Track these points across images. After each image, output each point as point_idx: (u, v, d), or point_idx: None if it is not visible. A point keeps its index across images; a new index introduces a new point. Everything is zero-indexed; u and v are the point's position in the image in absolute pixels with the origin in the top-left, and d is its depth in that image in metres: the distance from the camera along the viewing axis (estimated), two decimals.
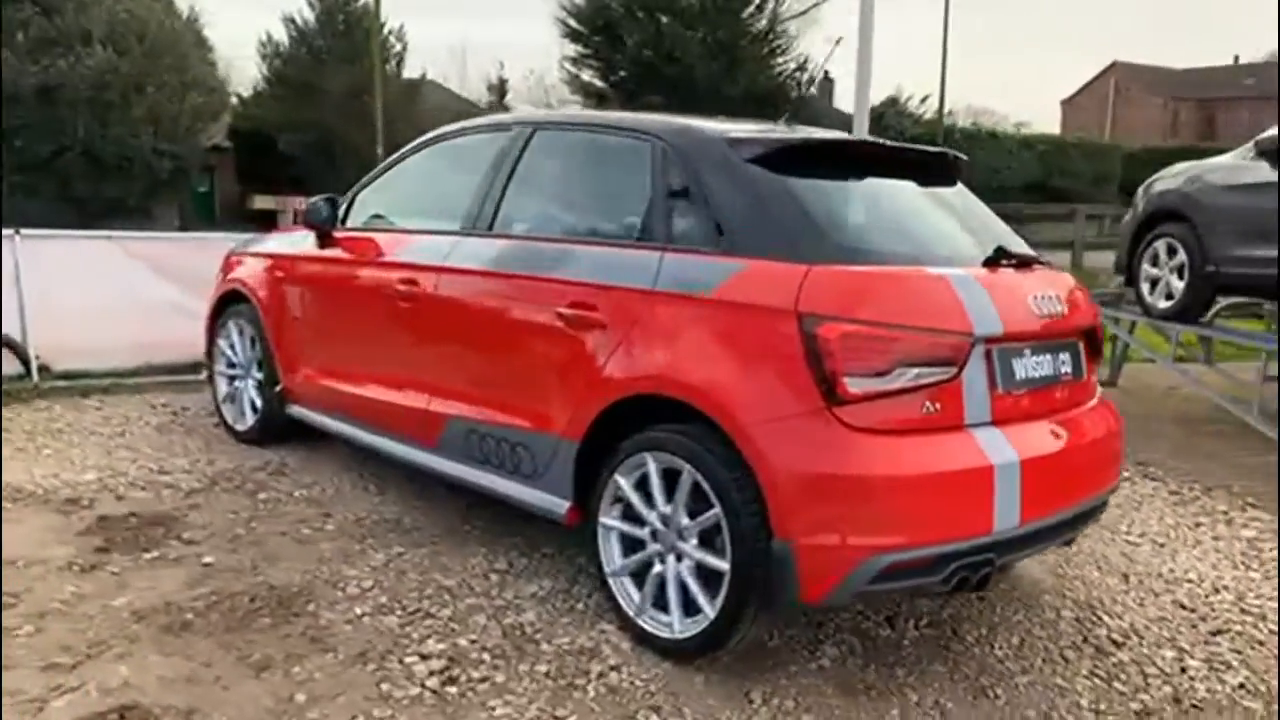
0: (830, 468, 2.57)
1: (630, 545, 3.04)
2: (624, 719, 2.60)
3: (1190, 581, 3.80)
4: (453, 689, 2.67)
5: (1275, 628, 3.33)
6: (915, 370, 2.62)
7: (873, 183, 3.17)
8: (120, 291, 6.06)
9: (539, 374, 3.27)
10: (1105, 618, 3.41)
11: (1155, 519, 4.50)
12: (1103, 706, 2.85)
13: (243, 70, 26.68)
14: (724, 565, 2.73)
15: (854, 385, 2.58)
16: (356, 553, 3.53)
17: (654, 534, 2.94)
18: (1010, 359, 2.85)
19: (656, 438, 2.88)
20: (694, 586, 2.83)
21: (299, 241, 4.41)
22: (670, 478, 2.87)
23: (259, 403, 4.58)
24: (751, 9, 22.86)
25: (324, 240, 4.24)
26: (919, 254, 2.97)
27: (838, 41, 6.98)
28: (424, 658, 2.82)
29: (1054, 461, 2.89)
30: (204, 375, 5.10)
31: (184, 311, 5.94)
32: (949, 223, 3.27)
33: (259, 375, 4.59)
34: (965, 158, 3.46)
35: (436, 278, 3.62)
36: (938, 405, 2.67)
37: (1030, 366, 2.92)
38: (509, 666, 2.82)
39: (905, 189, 3.26)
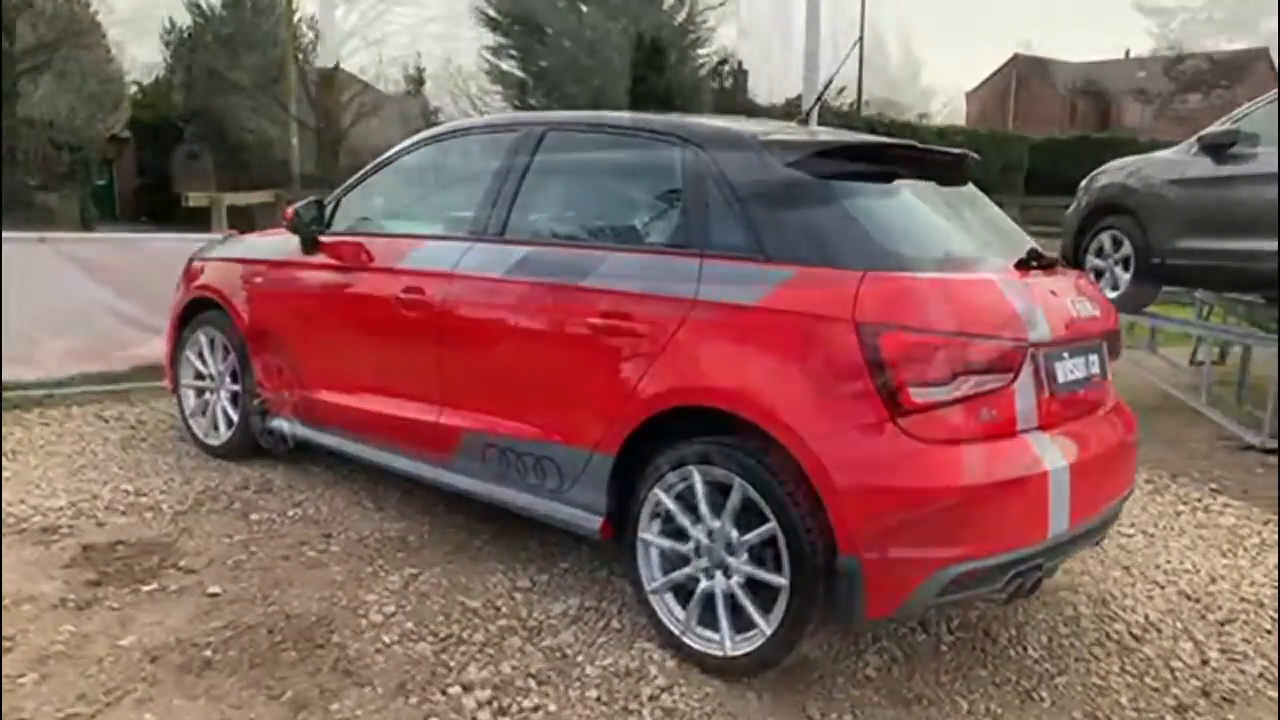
0: (898, 480, 2.54)
1: (671, 561, 2.98)
2: None
3: (1188, 572, 3.91)
4: None
5: (1277, 615, 3.45)
6: (976, 378, 2.61)
7: (904, 185, 3.12)
8: (48, 295, 5.72)
9: (566, 385, 3.15)
10: (1120, 612, 3.48)
11: (1139, 508, 4.62)
12: (1141, 704, 2.91)
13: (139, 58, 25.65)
14: (782, 581, 2.68)
15: (918, 395, 2.56)
16: (369, 575, 3.37)
17: (698, 549, 2.88)
18: (1054, 363, 2.87)
19: (703, 451, 2.81)
20: (746, 603, 2.80)
21: (281, 246, 4.17)
22: (717, 491, 2.83)
23: (234, 415, 4.35)
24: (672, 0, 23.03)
25: (311, 245, 4.05)
26: (961, 258, 2.98)
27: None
28: (467, 688, 2.70)
29: (1093, 464, 2.92)
30: (167, 387, 4.83)
31: (118, 315, 5.68)
32: (975, 224, 3.27)
33: (234, 387, 4.36)
34: (977, 157, 3.48)
35: (446, 286, 3.45)
36: (995, 412, 2.67)
37: (1069, 370, 2.94)
38: (558, 692, 2.73)
39: (932, 191, 3.25)
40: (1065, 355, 2.93)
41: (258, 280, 4.22)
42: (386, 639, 2.94)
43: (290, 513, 3.87)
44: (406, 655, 2.86)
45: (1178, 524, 4.49)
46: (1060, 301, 2.98)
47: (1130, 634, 3.33)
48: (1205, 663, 3.17)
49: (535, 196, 3.46)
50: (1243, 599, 3.67)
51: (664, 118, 3.31)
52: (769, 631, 2.72)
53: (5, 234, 5.82)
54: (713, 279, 2.86)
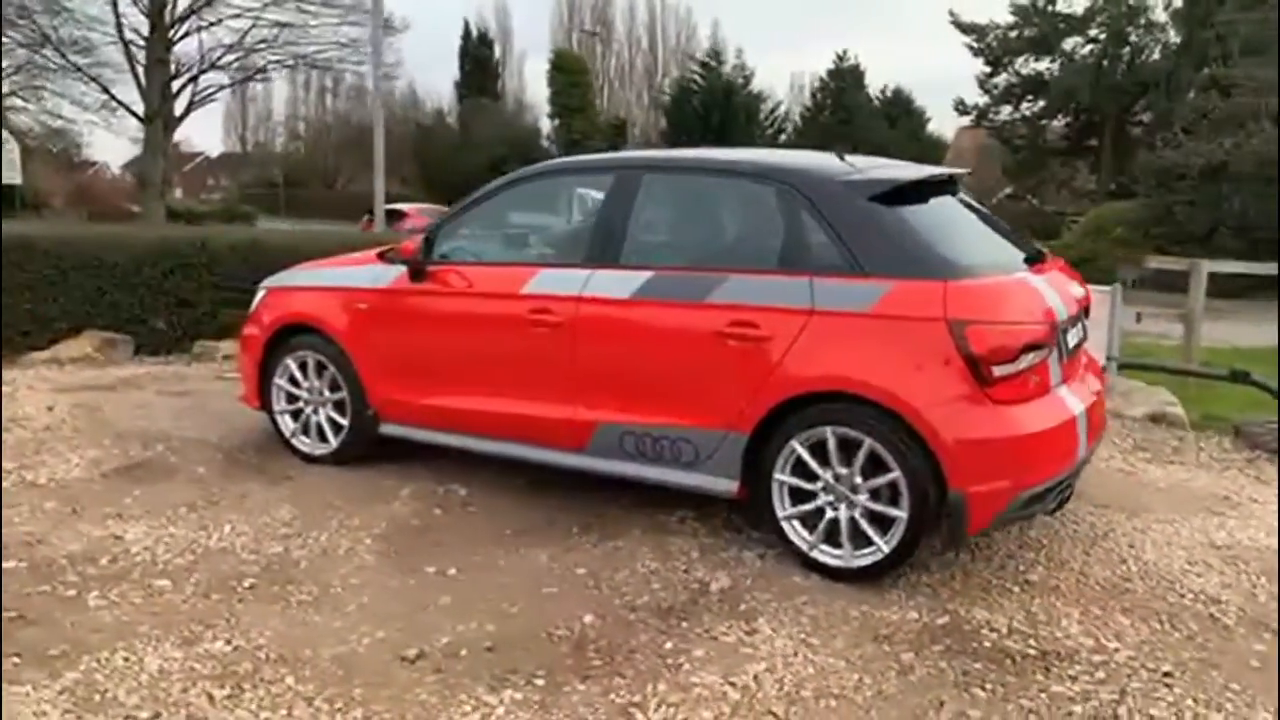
0: (990, 433, 3.41)
1: (798, 497, 3.74)
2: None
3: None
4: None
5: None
6: (1031, 354, 3.59)
7: (936, 204, 3.98)
8: None
9: (698, 381, 3.82)
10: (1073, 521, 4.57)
11: None
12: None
13: None
14: (900, 513, 3.48)
15: (998, 371, 3.41)
16: (613, 550, 3.91)
17: (826, 489, 3.64)
18: (1065, 333, 3.84)
19: (839, 418, 3.60)
20: (868, 528, 3.60)
21: (378, 275, 4.67)
22: (841, 447, 3.63)
23: (344, 424, 4.90)
24: None
25: (419, 274, 4.56)
26: (995, 261, 3.83)
27: None
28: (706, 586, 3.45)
29: (1091, 405, 4.01)
30: (251, 406, 5.24)
31: None
32: (985, 229, 4.23)
33: (334, 398, 4.88)
34: (968, 171, 4.46)
35: (575, 306, 4.10)
36: (1039, 377, 3.68)
37: (1071, 338, 3.98)
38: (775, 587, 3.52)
39: (951, 204, 4.10)
40: (1069, 327, 3.98)
41: (362, 306, 4.75)
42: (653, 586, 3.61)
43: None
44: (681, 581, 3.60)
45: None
46: (1065, 287, 4.03)
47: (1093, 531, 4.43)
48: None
49: (644, 228, 4.14)
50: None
51: (750, 158, 4.21)
52: (887, 550, 3.54)
53: None
54: (825, 293, 3.63)
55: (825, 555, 3.67)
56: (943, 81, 61.18)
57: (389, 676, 3.02)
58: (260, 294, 5.16)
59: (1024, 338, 3.47)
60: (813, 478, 3.69)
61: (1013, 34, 29.20)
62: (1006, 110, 30.46)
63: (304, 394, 4.93)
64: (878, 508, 3.57)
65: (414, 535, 4.11)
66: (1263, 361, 7.74)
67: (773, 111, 46.61)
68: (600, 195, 4.39)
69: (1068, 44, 28.65)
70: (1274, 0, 23.63)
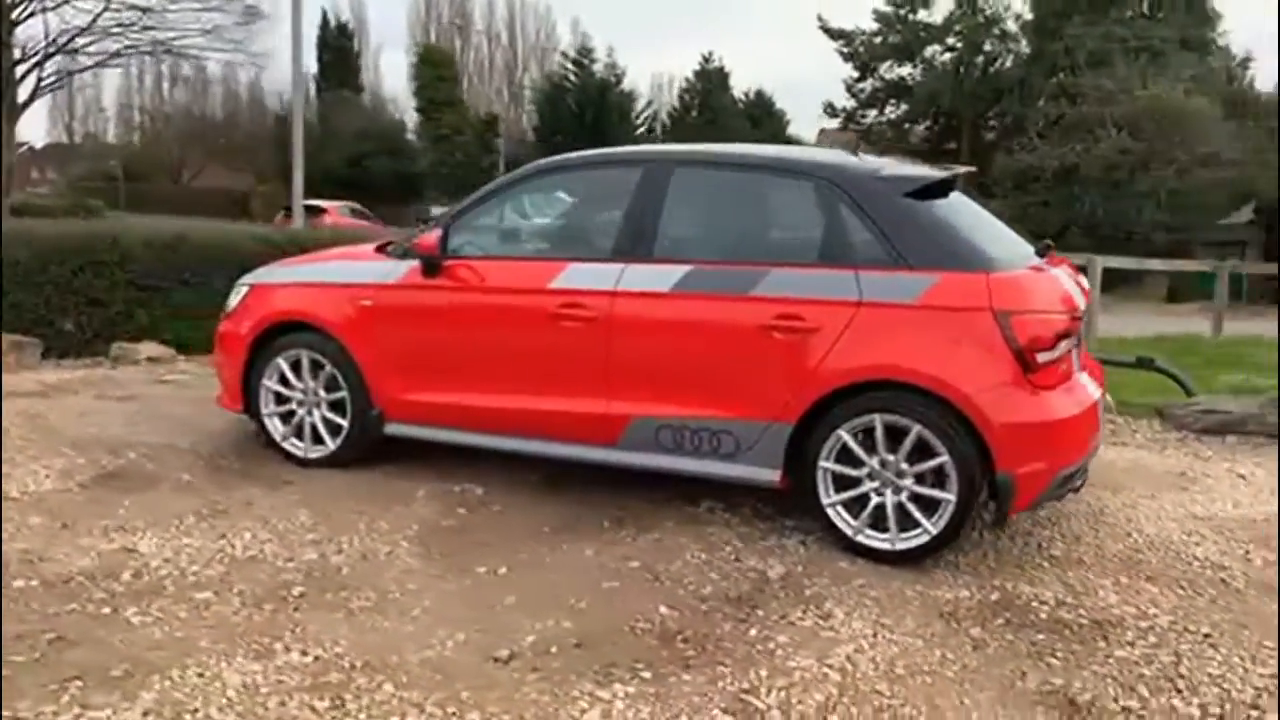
0: (1034, 417, 3.62)
1: (843, 484, 3.83)
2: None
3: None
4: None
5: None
6: (1065, 343, 3.81)
7: (955, 200, 4.14)
8: None
9: (742, 373, 3.87)
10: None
11: None
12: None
13: None
14: (949, 496, 3.62)
15: (1041, 358, 3.63)
16: (677, 547, 3.89)
17: (871, 474, 3.75)
18: (1079, 323, 4.18)
19: (887, 405, 3.72)
20: (915, 512, 3.73)
21: (389, 270, 4.54)
22: (890, 433, 3.74)
23: (343, 425, 4.73)
24: None
25: (433, 269, 4.41)
26: (1018, 254, 4.01)
27: None
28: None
29: (1102, 389, 4.30)
30: (230, 409, 5.00)
31: None
32: (997, 224, 4.37)
33: (330, 398, 4.70)
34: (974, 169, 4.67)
35: (610, 301, 4.09)
36: (1066, 364, 3.91)
37: (1081, 329, 4.27)
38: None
39: (964, 200, 4.25)
40: (1080, 317, 4.26)
41: (367, 302, 4.60)
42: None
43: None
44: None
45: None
46: (1077, 281, 4.32)
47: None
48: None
49: (677, 223, 4.16)
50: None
51: (781, 153, 4.29)
52: (935, 531, 3.70)
53: None
54: (872, 285, 3.76)
55: (871, 539, 3.80)
56: (801, 84, 63.25)
57: (489, 678, 2.97)
58: (241, 291, 4.92)
59: (1058, 326, 3.69)
60: (858, 464, 3.80)
61: (877, 40, 30.43)
62: (873, 114, 31.75)
63: (296, 395, 4.74)
64: (924, 491, 3.71)
65: (450, 536, 4.03)
66: (1150, 349, 8.37)
67: (644, 110, 47.06)
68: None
69: (929, 51, 30.09)
70: (1115, 16, 25.55)
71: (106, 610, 3.31)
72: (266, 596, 3.43)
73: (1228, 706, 2.95)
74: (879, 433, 3.74)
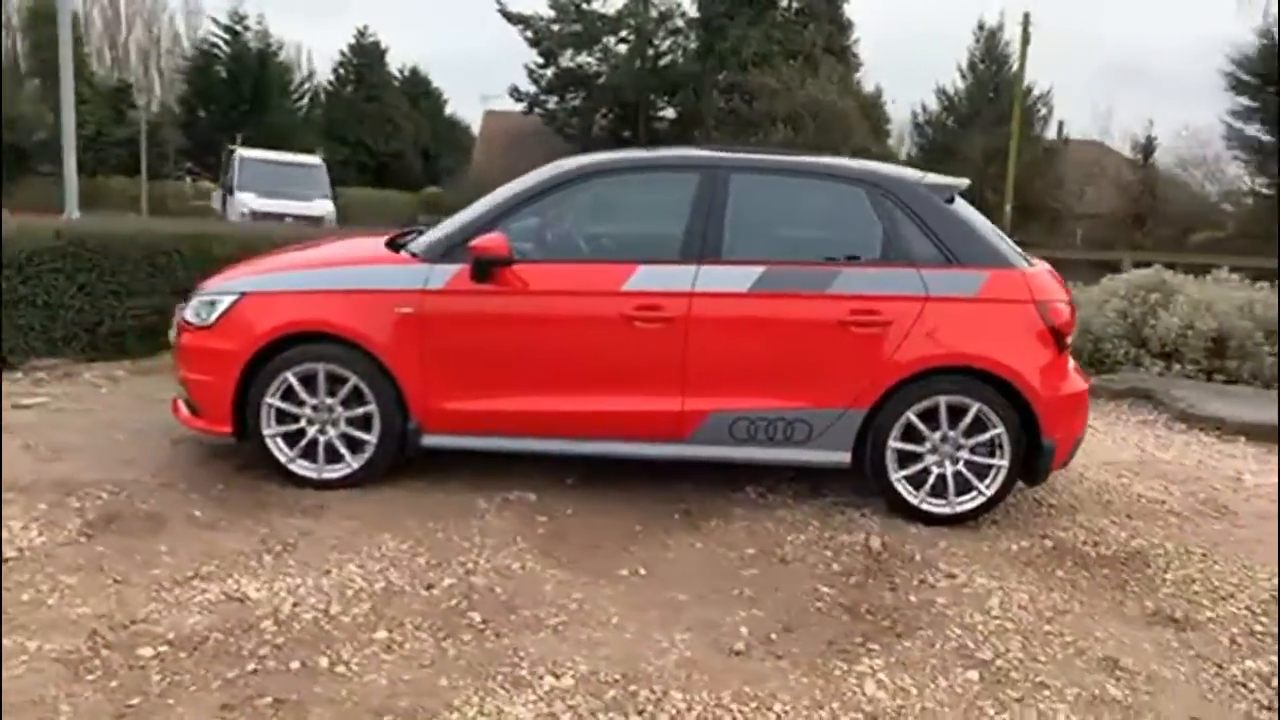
0: (1069, 390, 4.32)
1: (905, 460, 4.29)
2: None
3: None
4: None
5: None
6: (1075, 327, 4.57)
7: (963, 204, 4.64)
8: None
9: (819, 365, 4.19)
10: None
11: None
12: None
13: None
14: (1001, 463, 4.21)
15: (1069, 340, 4.44)
16: (768, 532, 3.96)
17: (934, 449, 4.25)
18: None
19: (952, 389, 4.21)
20: (974, 480, 4.28)
21: (429, 274, 4.27)
22: (951, 413, 4.23)
23: (369, 441, 4.34)
24: None
25: (484, 273, 4.22)
26: (1023, 254, 4.60)
27: None
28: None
29: None
30: (214, 433, 4.42)
31: None
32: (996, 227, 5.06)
33: (351, 414, 4.33)
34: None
35: (688, 302, 4.22)
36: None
37: None
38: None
39: (969, 206, 4.74)
40: None
41: (406, 309, 4.28)
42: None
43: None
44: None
45: None
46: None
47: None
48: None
49: (741, 225, 4.33)
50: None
51: (832, 161, 4.64)
52: (988, 494, 4.30)
53: None
54: (935, 282, 4.23)
55: (931, 505, 4.34)
56: (463, 65, 62.70)
57: (748, 670, 3.12)
58: (224, 301, 4.41)
59: (1073, 313, 4.44)
60: (920, 441, 4.32)
61: (555, 28, 31.17)
62: (554, 100, 32.49)
63: (307, 412, 4.37)
64: (979, 460, 4.31)
65: (557, 544, 4.00)
66: None
67: (302, 84, 44.39)
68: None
69: (607, 41, 31.36)
70: (773, 19, 28.26)
71: (295, 664, 3.02)
72: (448, 627, 3.28)
73: (1259, 605, 3.80)
74: (943, 412, 4.27)
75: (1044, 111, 29.78)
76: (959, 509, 4.32)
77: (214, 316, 4.40)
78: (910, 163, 22.91)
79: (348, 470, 4.39)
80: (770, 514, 4.42)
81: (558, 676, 3.01)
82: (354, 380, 4.31)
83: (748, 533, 4.20)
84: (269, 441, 4.36)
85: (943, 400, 4.26)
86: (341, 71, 48.38)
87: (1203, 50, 39.89)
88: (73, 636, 3.09)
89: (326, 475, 4.39)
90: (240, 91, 37.56)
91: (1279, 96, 22.61)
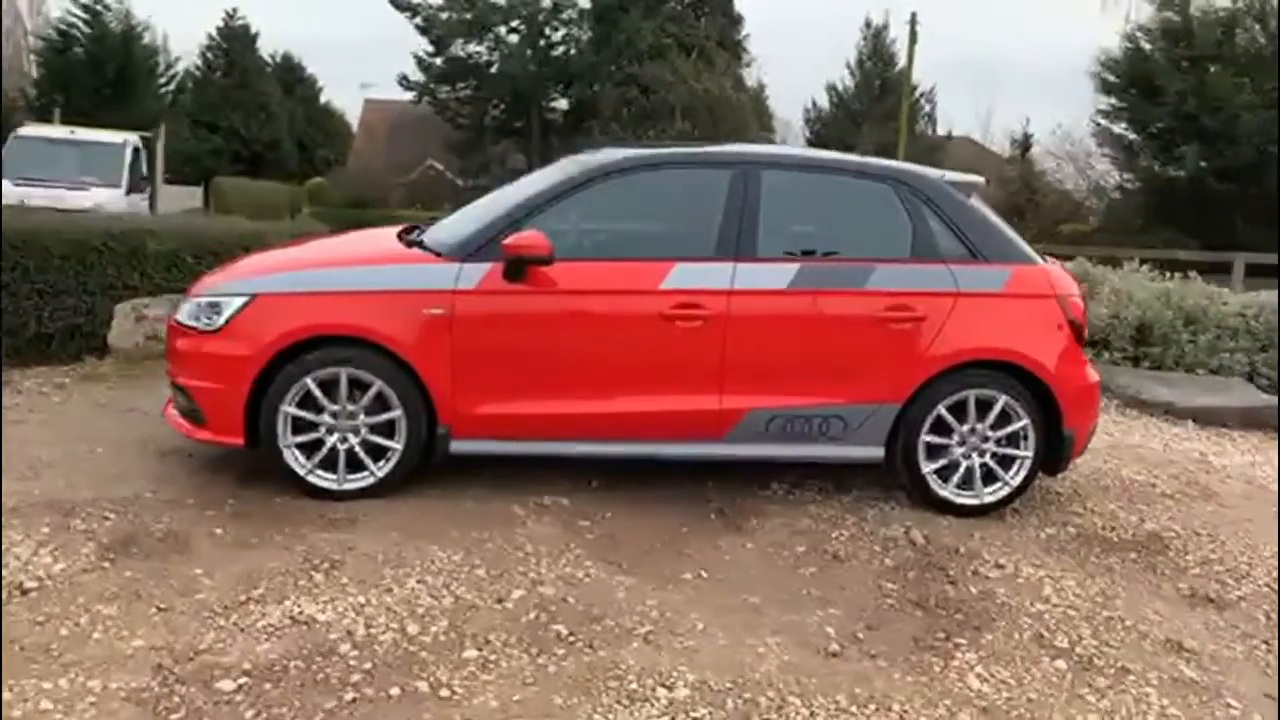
0: (1087, 381, 4.46)
1: (936, 453, 4.34)
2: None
3: None
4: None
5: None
6: None
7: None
8: None
9: (856, 361, 4.21)
10: None
11: None
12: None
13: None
14: (1026, 454, 4.31)
15: (1085, 333, 4.58)
16: (810, 529, 3.91)
17: (961, 441, 4.32)
18: None
19: (981, 382, 4.28)
20: (999, 470, 4.39)
21: (460, 274, 4.08)
22: (979, 406, 4.30)
23: (395, 448, 4.11)
24: None
25: (518, 272, 4.07)
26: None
27: None
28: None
29: None
30: (222, 443, 4.12)
31: None
32: None
33: (374, 420, 4.10)
34: None
35: (727, 300, 4.18)
36: None
37: None
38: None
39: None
40: None
41: (437, 310, 4.08)
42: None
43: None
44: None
45: None
46: None
47: None
48: None
49: (775, 222, 4.29)
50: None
51: (860, 158, 4.64)
52: (1015, 484, 4.38)
53: None
54: (965, 277, 4.28)
55: (960, 497, 4.43)
56: (337, 52, 60.73)
57: (852, 671, 3.12)
58: (238, 302, 4.14)
59: (1085, 307, 4.60)
60: (948, 434, 4.40)
61: (445, 16, 30.48)
62: (446, 89, 31.77)
63: (326, 420, 4.15)
64: (1003, 451, 4.42)
65: (611, 549, 3.91)
66: None
67: (169, 68, 42.15)
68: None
69: (500, 31, 30.84)
70: (667, 12, 28.37)
71: (394, 690, 2.87)
72: (537, 641, 3.17)
73: (1269, 580, 4.03)
74: (971, 406, 4.36)
75: (928, 109, 30.85)
76: (986, 499, 4.42)
77: (222, 320, 4.12)
78: None
79: (370, 480, 4.18)
80: (803, 510, 4.42)
81: (670, 688, 2.93)
82: (378, 385, 4.10)
83: (790, 531, 4.19)
84: (285, 452, 4.11)
85: (972, 394, 4.34)
86: (210, 56, 46.21)
87: (1072, 52, 42.12)
88: (137, 673, 2.84)
89: (348, 486, 4.17)
90: (103, 75, 35.36)
91: (1142, 97, 23.91)
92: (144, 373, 6.10)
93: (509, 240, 4.07)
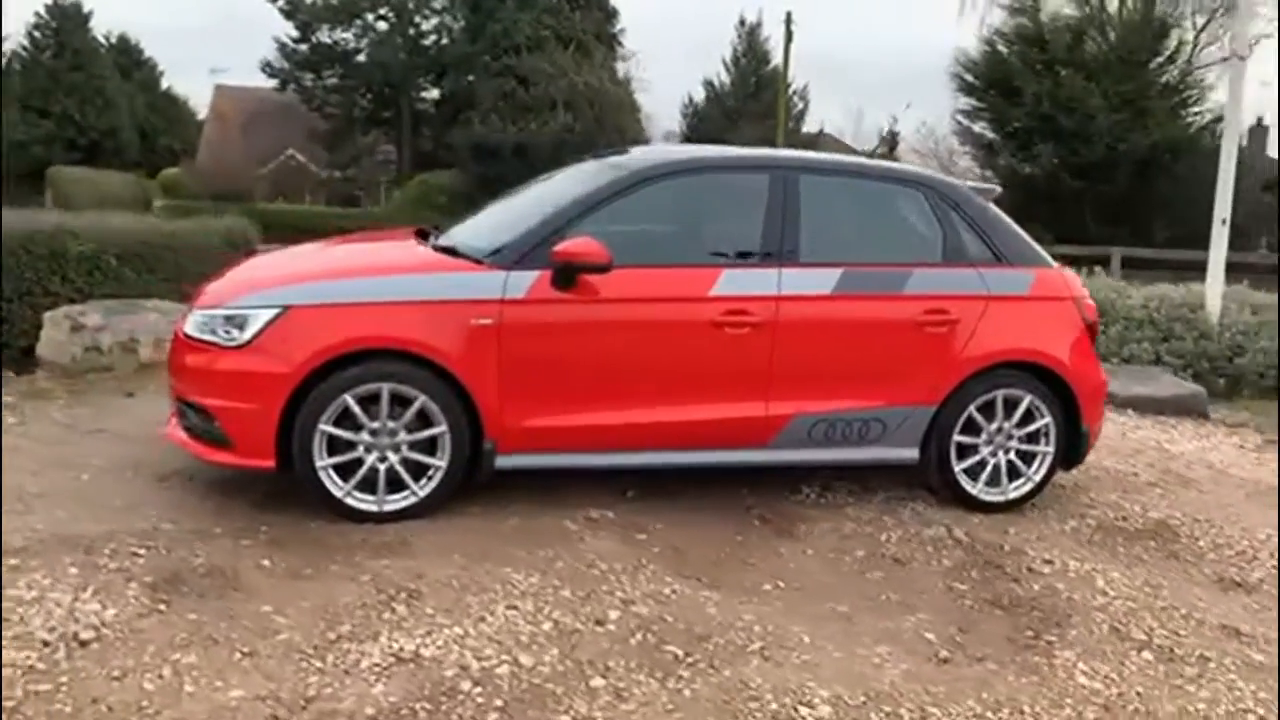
0: (1101, 379, 4.68)
1: (965, 451, 4.44)
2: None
3: None
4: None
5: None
6: None
7: None
8: None
9: (895, 364, 4.27)
10: None
11: None
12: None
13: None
14: (1048, 450, 4.48)
15: (1097, 333, 4.77)
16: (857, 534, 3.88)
17: (988, 440, 4.45)
18: None
19: (1009, 382, 4.42)
20: (1022, 467, 4.54)
21: (507, 282, 3.92)
22: (1006, 404, 4.44)
23: (439, 465, 3.89)
24: (1161, 60, 23.81)
25: (568, 280, 3.94)
26: None
27: None
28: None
29: None
30: (253, 467, 3.81)
31: None
32: None
33: (414, 438, 3.87)
34: None
35: (775, 305, 4.16)
36: None
37: None
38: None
39: None
40: None
41: (486, 320, 3.87)
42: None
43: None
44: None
45: None
46: None
47: None
48: None
49: (814, 227, 4.29)
50: None
51: (886, 164, 4.65)
52: (1037, 479, 4.55)
53: None
54: (994, 281, 4.41)
55: (988, 494, 4.56)
56: (179, 35, 57.32)
57: (973, 675, 3.17)
58: (267, 314, 3.85)
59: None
60: (977, 434, 4.53)
61: (310, 1, 29.28)
62: (310, 77, 30.52)
63: (365, 438, 3.92)
64: (1026, 448, 4.59)
65: (680, 561, 3.84)
66: None
67: None
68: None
69: (369, 18, 29.85)
70: (544, 4, 28.08)
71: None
72: (659, 664, 3.09)
73: (1272, 563, 4.32)
74: (999, 405, 4.50)
75: (801, 106, 31.65)
76: (1011, 496, 4.57)
77: (249, 334, 3.82)
78: None
79: (412, 500, 3.97)
80: (842, 514, 4.46)
81: (810, 706, 2.91)
82: (421, 400, 3.89)
83: (839, 535, 4.22)
84: (321, 474, 3.85)
85: (1001, 394, 4.47)
86: (38, 35, 42.91)
87: (935, 53, 44.27)
88: None
89: (388, 507, 3.95)
90: None
91: (1001, 98, 25.26)
92: (92, 389, 5.62)
93: (561, 247, 3.93)
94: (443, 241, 4.43)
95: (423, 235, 4.68)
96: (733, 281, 4.17)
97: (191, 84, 60.30)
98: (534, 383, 4.00)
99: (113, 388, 5.68)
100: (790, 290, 4.21)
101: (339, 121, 30.54)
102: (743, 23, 32.09)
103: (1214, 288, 9.02)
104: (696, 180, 4.41)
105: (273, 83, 30.59)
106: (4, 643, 2.88)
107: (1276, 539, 4.60)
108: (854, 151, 32.07)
